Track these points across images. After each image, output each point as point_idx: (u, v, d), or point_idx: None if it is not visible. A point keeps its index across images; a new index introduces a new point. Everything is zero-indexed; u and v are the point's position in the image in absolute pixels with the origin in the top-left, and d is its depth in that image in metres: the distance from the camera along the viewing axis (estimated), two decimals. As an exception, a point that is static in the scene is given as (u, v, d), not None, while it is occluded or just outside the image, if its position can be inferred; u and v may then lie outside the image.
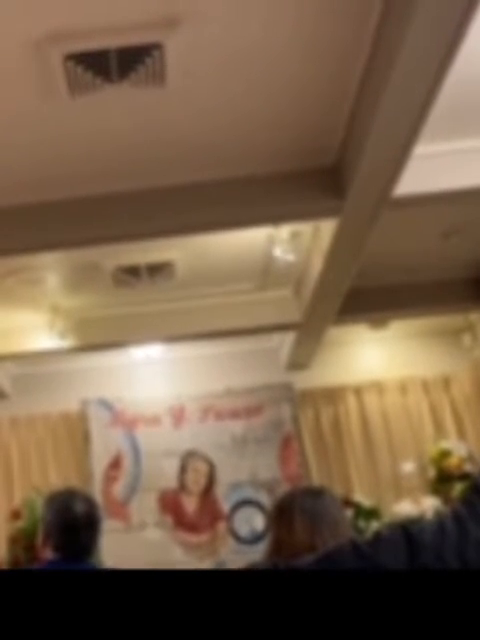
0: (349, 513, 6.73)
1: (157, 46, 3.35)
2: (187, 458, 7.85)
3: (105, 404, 7.95)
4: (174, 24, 3.24)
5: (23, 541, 6.76)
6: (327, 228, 5.11)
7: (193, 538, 7.72)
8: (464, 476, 7.25)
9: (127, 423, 7.94)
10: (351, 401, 8.18)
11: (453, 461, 7.42)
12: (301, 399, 8.08)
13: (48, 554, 2.76)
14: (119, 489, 7.79)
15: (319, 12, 3.26)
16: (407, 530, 1.43)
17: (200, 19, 3.24)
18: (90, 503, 2.90)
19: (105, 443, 7.89)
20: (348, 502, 6.93)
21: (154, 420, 7.94)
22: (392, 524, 1.52)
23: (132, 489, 7.79)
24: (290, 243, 5.47)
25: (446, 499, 7.08)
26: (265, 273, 6.26)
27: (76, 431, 7.94)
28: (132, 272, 5.90)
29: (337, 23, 3.35)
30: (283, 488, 7.30)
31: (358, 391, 8.19)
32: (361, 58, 3.57)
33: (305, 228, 5.42)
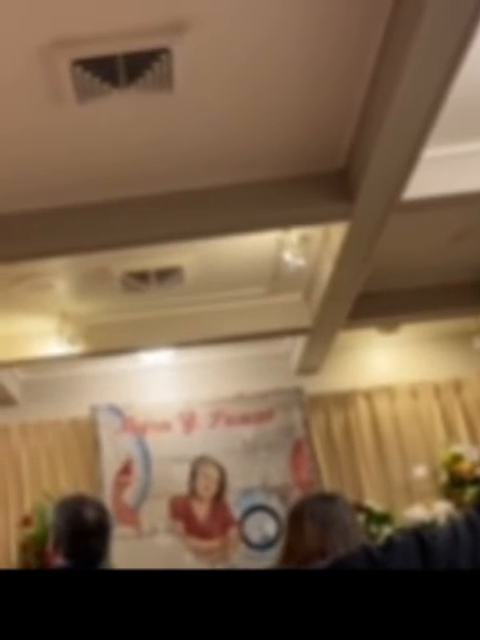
0: (361, 518, 6.70)
1: (165, 51, 3.35)
2: (198, 464, 7.83)
3: (115, 410, 7.94)
4: (181, 29, 3.24)
5: (34, 547, 6.77)
6: (337, 232, 5.09)
7: (204, 544, 7.69)
8: (476, 480, 7.22)
9: (137, 429, 7.93)
10: (362, 406, 8.15)
11: (465, 465, 7.38)
12: (312, 404, 8.05)
13: (59, 561, 2.75)
14: (129, 495, 7.76)
15: (327, 15, 3.25)
16: (420, 536, 1.41)
17: (207, 23, 3.23)
18: (101, 509, 2.89)
19: (115, 449, 7.87)
20: (360, 507, 6.91)
21: (164, 426, 7.92)
22: (404, 530, 1.51)
23: (143, 495, 7.77)
24: (300, 247, 5.45)
25: (458, 503, 7.05)
26: (275, 278, 6.24)
27: (86, 437, 7.93)
28: (141, 277, 5.89)
29: (346, 26, 3.35)
30: (295, 494, 7.29)
31: (369, 396, 8.16)
32: (370, 61, 3.56)
33: (315, 232, 5.40)
